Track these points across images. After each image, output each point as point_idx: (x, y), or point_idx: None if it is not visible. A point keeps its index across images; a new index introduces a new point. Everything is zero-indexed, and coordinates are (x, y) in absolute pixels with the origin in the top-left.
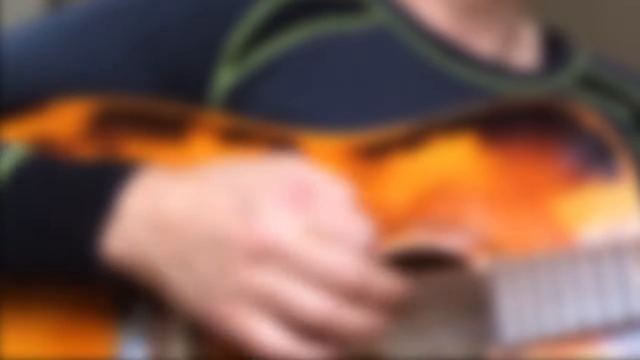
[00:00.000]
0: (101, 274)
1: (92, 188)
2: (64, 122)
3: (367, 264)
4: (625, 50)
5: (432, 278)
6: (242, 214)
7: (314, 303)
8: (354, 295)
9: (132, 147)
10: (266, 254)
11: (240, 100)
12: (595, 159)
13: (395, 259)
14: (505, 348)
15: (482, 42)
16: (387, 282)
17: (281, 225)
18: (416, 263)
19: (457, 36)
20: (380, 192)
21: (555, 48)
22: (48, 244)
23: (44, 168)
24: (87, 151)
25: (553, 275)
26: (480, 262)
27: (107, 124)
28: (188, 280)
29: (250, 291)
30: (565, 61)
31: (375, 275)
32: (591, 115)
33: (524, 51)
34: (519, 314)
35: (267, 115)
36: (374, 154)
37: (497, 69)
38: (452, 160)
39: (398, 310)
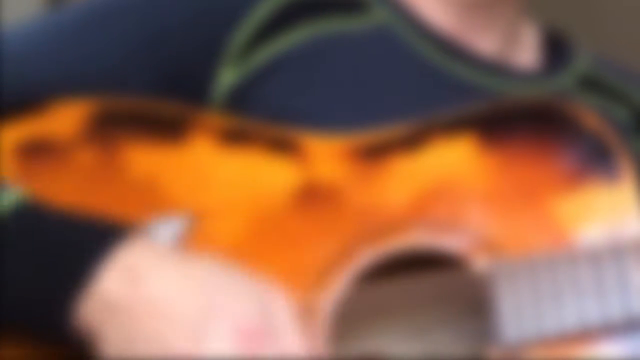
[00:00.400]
0: (67, 339)
1: (69, 261)
2: (63, 123)
3: None
4: (625, 50)
5: (432, 278)
6: (192, 335)
7: None
8: None
9: (132, 148)
10: None
11: (242, 100)
12: (595, 160)
13: (394, 261)
14: (505, 348)
15: (483, 41)
16: None
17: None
18: (416, 263)
19: (458, 36)
20: (380, 192)
21: (556, 48)
22: (22, 301)
23: (31, 222)
24: (86, 152)
25: (553, 276)
26: (480, 263)
27: (106, 124)
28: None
29: None
30: (566, 62)
31: None
32: (591, 115)
33: (525, 51)
34: (519, 314)
35: (268, 115)
36: (374, 154)
37: (497, 69)
38: (452, 161)
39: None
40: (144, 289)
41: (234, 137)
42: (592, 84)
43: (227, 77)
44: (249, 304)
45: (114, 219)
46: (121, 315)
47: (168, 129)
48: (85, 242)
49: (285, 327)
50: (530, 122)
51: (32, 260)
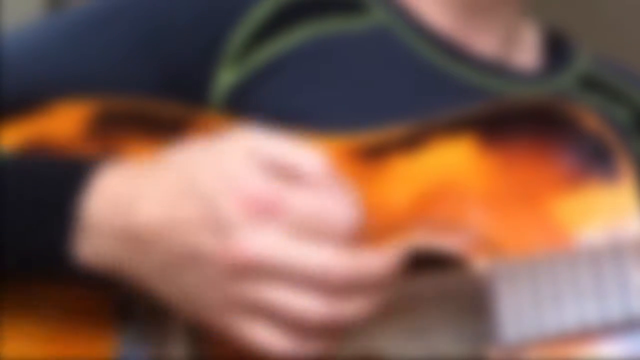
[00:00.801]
0: (87, 280)
1: (53, 197)
2: (64, 124)
3: (352, 253)
4: (625, 50)
5: (432, 279)
6: (213, 231)
7: (310, 307)
8: (347, 287)
9: (132, 149)
10: (250, 271)
11: (241, 100)
12: (595, 161)
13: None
14: (505, 348)
15: (483, 42)
16: (376, 264)
17: (257, 240)
18: (416, 264)
19: (458, 36)
20: (380, 193)
21: (556, 49)
22: (27, 247)
23: (20, 166)
24: (87, 153)
25: (553, 276)
26: (480, 263)
27: (107, 125)
28: (175, 293)
29: (244, 304)
30: (566, 62)
31: (363, 261)
32: (591, 116)
33: (525, 52)
34: (518, 314)
35: (267, 116)
36: (374, 155)
37: (497, 70)
38: (452, 162)
39: (398, 311)
40: (136, 214)
41: None
42: (592, 84)
43: (226, 77)
44: (242, 168)
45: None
46: (138, 250)
47: (169, 129)
48: (61, 180)
49: (287, 155)
50: (530, 122)
51: (18, 209)
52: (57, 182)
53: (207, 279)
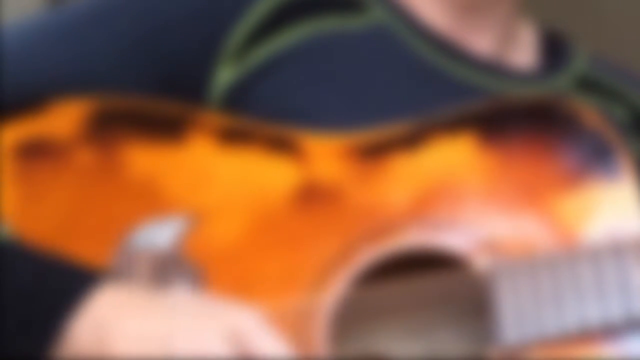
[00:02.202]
0: None
1: (44, 308)
2: (62, 122)
3: None
4: (625, 50)
5: (432, 278)
6: None
7: None
8: None
9: (131, 148)
10: None
11: (239, 98)
12: (596, 158)
13: (395, 260)
14: (505, 349)
15: (479, 41)
16: None
17: None
18: (417, 263)
19: (455, 35)
20: (380, 191)
21: (555, 49)
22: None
23: (11, 262)
24: (84, 152)
25: (553, 276)
26: (481, 262)
27: (105, 124)
28: None
29: None
30: (564, 62)
31: None
32: (591, 113)
33: (522, 52)
34: (519, 314)
35: (265, 114)
36: (373, 153)
37: (494, 69)
38: (452, 160)
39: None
40: (109, 347)
41: (233, 137)
42: (590, 85)
43: (225, 75)
44: (213, 342)
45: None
46: None
47: (167, 128)
48: (58, 295)
49: (260, 348)
50: (530, 120)
51: (8, 305)
52: (50, 294)
53: None
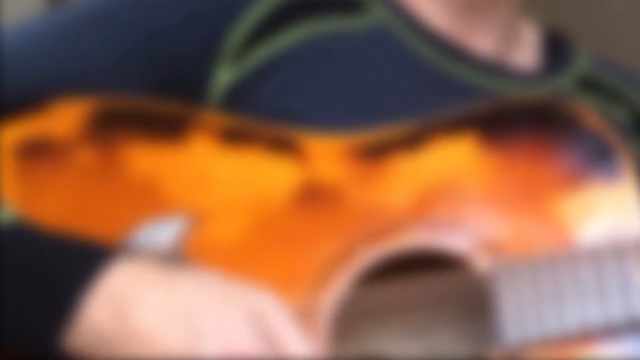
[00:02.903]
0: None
1: (56, 289)
2: (62, 122)
3: None
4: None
5: (433, 279)
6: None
7: None
8: None
9: (131, 148)
10: None
11: (238, 99)
12: (597, 159)
13: (396, 261)
14: (506, 349)
15: (480, 41)
16: None
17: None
18: (418, 263)
19: (456, 35)
20: (381, 192)
21: (556, 49)
22: (13, 322)
23: (22, 243)
24: (85, 152)
25: (554, 276)
26: (482, 263)
27: (106, 124)
28: None
29: None
30: (565, 63)
31: None
32: (592, 114)
33: (524, 52)
34: (520, 315)
35: (265, 115)
36: (374, 154)
37: (495, 70)
38: (453, 160)
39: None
40: (130, 321)
41: (234, 137)
42: (592, 85)
43: (224, 76)
44: (238, 322)
45: (100, 238)
46: (111, 347)
47: (168, 128)
48: (72, 270)
49: (282, 332)
50: (531, 121)
51: (21, 283)
52: (63, 271)
53: None
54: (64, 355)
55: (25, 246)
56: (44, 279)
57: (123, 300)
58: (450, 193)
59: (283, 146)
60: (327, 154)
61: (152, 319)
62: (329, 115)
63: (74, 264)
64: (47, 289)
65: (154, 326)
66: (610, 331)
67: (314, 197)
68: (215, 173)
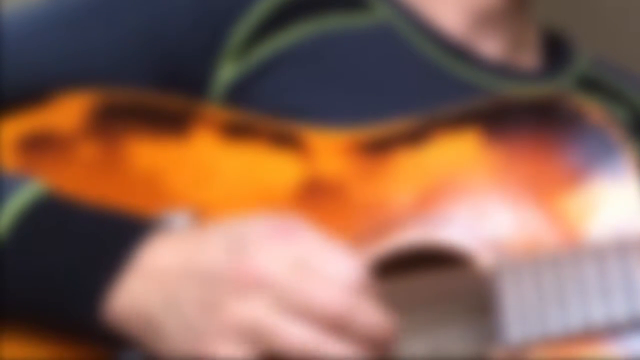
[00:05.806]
0: (100, 331)
1: (100, 251)
2: (65, 116)
3: (350, 297)
4: (625, 50)
5: (436, 276)
6: (231, 252)
7: (295, 334)
8: (335, 326)
9: (135, 142)
10: (253, 286)
11: (241, 96)
12: (600, 156)
13: (399, 257)
14: (509, 348)
15: (489, 47)
16: (372, 317)
17: (269, 259)
18: (420, 261)
19: (464, 38)
20: (384, 188)
21: (556, 49)
22: (49, 296)
23: (54, 214)
24: (88, 146)
25: (557, 275)
26: (485, 261)
27: (108, 118)
28: (178, 324)
29: (235, 325)
30: (565, 63)
31: (359, 308)
32: (596, 111)
33: (529, 54)
34: (523, 313)
35: (268, 110)
36: (377, 150)
37: (501, 71)
38: (456, 156)
39: (403, 308)
40: (169, 296)
41: (237, 132)
42: (591, 85)
43: (227, 72)
44: (269, 217)
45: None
46: (152, 323)
47: (171, 122)
48: (110, 243)
49: (323, 263)
50: (535, 117)
51: (54, 256)
52: (100, 245)
53: (210, 300)
54: (99, 332)
55: (55, 218)
56: (79, 251)
57: (161, 276)
58: (453, 189)
59: (286, 141)
60: (330, 149)
61: (188, 294)
62: (332, 111)
63: (112, 237)
64: (83, 261)
65: (189, 300)
66: (614, 330)
67: (316, 192)
68: (218, 167)
